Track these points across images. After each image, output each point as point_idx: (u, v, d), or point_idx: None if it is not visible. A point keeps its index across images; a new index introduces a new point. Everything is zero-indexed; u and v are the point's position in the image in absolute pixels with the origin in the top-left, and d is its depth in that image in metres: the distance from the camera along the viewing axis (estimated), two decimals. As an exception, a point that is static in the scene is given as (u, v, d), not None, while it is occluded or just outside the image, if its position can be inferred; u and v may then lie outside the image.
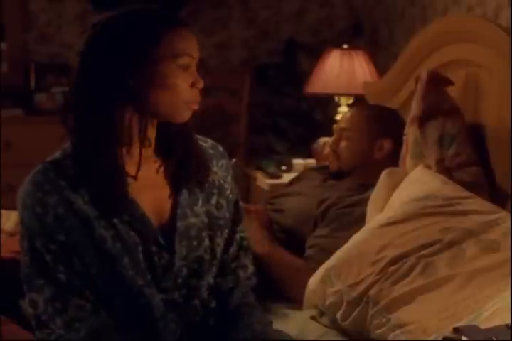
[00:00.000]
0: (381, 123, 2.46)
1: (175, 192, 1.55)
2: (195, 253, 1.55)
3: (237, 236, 1.64)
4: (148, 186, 1.52)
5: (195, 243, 1.55)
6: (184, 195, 1.55)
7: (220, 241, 1.59)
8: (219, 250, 1.59)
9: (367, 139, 2.43)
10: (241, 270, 1.65)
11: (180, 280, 1.53)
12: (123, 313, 1.49)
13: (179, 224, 1.53)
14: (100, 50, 1.44)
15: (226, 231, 1.62)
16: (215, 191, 1.60)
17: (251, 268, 1.67)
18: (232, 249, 1.63)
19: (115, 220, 1.46)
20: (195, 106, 1.49)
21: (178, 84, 1.44)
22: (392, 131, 2.45)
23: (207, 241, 1.57)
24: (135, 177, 1.49)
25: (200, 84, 1.47)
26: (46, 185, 1.44)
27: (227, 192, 1.62)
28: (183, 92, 1.45)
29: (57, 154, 1.49)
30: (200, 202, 1.57)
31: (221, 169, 1.62)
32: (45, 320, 1.44)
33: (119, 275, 1.47)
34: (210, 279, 1.58)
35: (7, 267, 1.89)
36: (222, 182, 1.61)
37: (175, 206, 1.54)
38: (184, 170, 1.54)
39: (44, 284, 1.44)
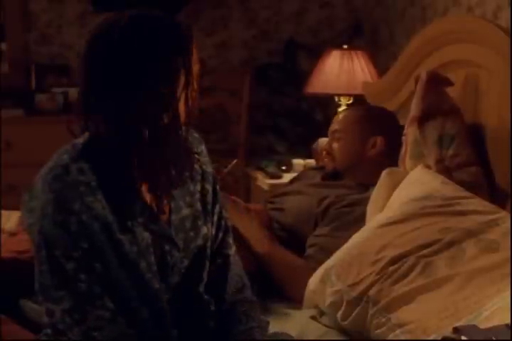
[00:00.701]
0: (372, 122, 2.47)
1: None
2: (195, 243, 1.56)
3: (216, 218, 1.65)
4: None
5: (192, 234, 1.56)
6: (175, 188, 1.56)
7: (209, 226, 1.61)
8: (210, 235, 1.61)
9: (358, 138, 2.45)
10: (229, 250, 1.66)
11: (183, 272, 1.55)
12: (139, 317, 1.48)
13: (173, 217, 1.54)
14: (129, 55, 1.41)
15: (215, 217, 1.64)
16: (199, 177, 1.61)
17: (234, 247, 1.69)
18: (219, 232, 1.65)
19: (130, 223, 1.46)
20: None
21: (197, 80, 1.47)
22: (383, 129, 2.46)
23: (204, 230, 1.58)
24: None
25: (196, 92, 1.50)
26: (66, 191, 1.40)
27: (210, 177, 1.64)
28: (192, 99, 1.48)
29: (63, 157, 1.45)
30: (191, 191, 1.58)
31: (201, 155, 1.63)
32: (62, 329, 1.43)
33: (138, 279, 1.46)
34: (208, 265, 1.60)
35: (7, 267, 1.89)
36: (204, 167, 1.63)
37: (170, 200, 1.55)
38: (176, 165, 1.53)
39: (64, 295, 1.41)
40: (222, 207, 1.67)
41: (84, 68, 1.45)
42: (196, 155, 1.61)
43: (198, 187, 1.61)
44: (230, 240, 1.68)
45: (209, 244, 1.59)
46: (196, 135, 1.64)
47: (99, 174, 1.43)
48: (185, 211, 1.57)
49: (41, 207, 1.41)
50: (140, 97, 1.42)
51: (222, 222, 1.66)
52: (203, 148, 1.65)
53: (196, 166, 1.60)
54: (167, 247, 1.51)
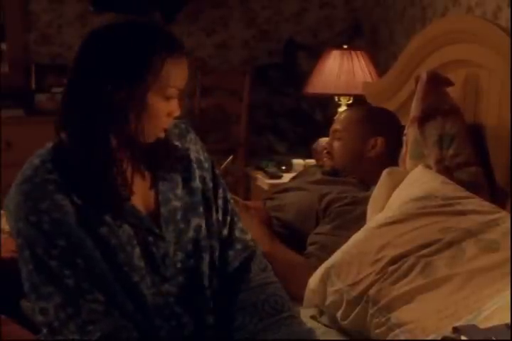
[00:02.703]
0: (372, 122, 2.48)
1: (155, 181, 1.57)
2: (186, 235, 1.57)
3: (221, 202, 1.66)
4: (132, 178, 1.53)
5: (182, 225, 1.57)
6: (161, 181, 1.57)
7: (214, 213, 1.62)
8: (214, 222, 1.62)
9: (359, 138, 2.46)
10: (245, 234, 1.68)
11: (179, 266, 1.55)
12: (125, 310, 1.48)
13: (162, 209, 1.55)
14: (95, 62, 1.43)
15: (220, 202, 1.64)
16: (195, 166, 1.62)
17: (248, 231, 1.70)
18: (226, 216, 1.66)
19: (107, 217, 1.47)
20: (164, 132, 1.52)
21: (158, 114, 1.47)
22: (384, 129, 2.47)
23: (196, 221, 1.59)
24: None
25: (177, 113, 1.50)
26: (34, 192, 1.44)
27: (206, 164, 1.65)
28: (160, 120, 1.48)
29: (35, 160, 1.47)
30: (180, 184, 1.59)
31: (191, 143, 1.64)
32: (58, 327, 1.43)
33: (116, 272, 1.47)
34: (208, 257, 1.60)
35: (7, 267, 1.89)
36: (197, 155, 1.64)
37: (157, 194, 1.56)
38: (154, 158, 1.55)
39: (53, 291, 1.42)
40: (226, 190, 1.68)
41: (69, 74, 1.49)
42: (187, 145, 1.62)
43: (197, 176, 1.61)
44: (240, 224, 1.69)
45: (203, 235, 1.59)
46: (183, 125, 1.65)
47: (71, 172, 1.45)
48: (175, 203, 1.57)
49: (14, 209, 1.45)
50: (105, 102, 1.43)
51: (229, 206, 1.67)
52: (191, 136, 1.65)
53: (190, 155, 1.61)
54: (150, 238, 1.51)
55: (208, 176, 1.64)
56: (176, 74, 1.46)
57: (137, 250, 1.49)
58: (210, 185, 1.64)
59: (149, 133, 1.48)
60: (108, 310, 1.44)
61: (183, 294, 1.55)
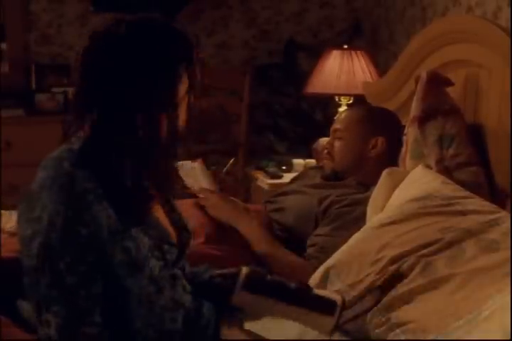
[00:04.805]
0: (373, 122, 2.47)
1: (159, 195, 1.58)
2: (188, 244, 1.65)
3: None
4: None
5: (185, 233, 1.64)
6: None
7: None
8: None
9: (360, 138, 2.45)
10: None
11: (180, 272, 1.59)
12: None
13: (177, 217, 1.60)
14: (129, 61, 1.42)
15: None
16: None
17: None
18: None
19: (133, 230, 1.45)
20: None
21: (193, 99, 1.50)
22: (384, 130, 2.46)
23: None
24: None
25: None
26: (75, 202, 1.37)
27: None
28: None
29: (64, 164, 1.41)
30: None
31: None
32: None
33: (139, 286, 1.46)
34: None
35: (7, 267, 1.89)
36: None
37: (167, 205, 1.59)
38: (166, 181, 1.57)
39: (60, 310, 1.38)
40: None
41: (84, 73, 1.46)
42: None
43: None
44: None
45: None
46: None
47: (102, 180, 1.41)
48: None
49: (49, 218, 1.37)
50: (139, 100, 1.42)
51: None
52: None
53: None
54: (166, 247, 1.52)
55: None
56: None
57: (153, 260, 1.48)
58: None
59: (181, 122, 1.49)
60: (101, 334, 1.40)
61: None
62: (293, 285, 1.55)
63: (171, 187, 1.57)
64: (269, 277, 1.55)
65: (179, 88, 1.45)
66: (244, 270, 1.55)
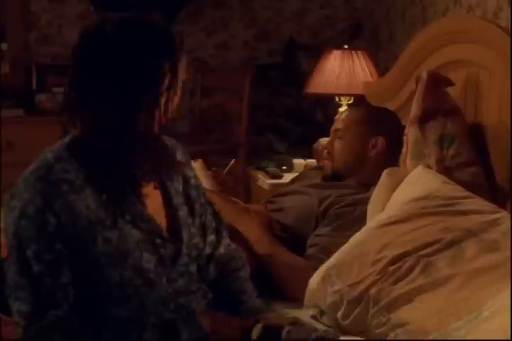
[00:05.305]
0: (373, 122, 2.47)
1: (160, 186, 1.58)
2: (192, 240, 1.60)
3: (210, 216, 1.70)
4: None
5: (192, 230, 1.61)
6: (169, 187, 1.58)
7: (196, 229, 1.64)
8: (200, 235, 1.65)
9: (360, 138, 2.45)
10: (224, 238, 1.72)
11: (182, 269, 1.57)
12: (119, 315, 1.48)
13: (181, 213, 1.58)
14: (115, 58, 1.44)
15: (203, 216, 1.67)
16: (181, 179, 1.64)
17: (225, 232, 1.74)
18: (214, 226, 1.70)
19: (120, 220, 1.46)
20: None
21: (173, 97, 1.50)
22: (385, 129, 2.46)
23: (194, 228, 1.62)
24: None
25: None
26: (48, 190, 1.40)
27: (192, 180, 1.67)
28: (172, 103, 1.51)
29: (48, 157, 1.45)
30: (179, 193, 1.61)
31: (184, 157, 1.66)
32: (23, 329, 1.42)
33: (121, 276, 1.46)
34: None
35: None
36: (185, 169, 1.66)
37: (165, 198, 1.57)
38: (156, 164, 1.55)
39: (26, 296, 1.39)
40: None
41: (73, 70, 1.49)
42: (179, 158, 1.64)
43: (181, 188, 1.63)
44: (221, 228, 1.74)
45: (201, 243, 1.65)
46: (174, 141, 1.67)
47: (86, 172, 1.44)
48: (184, 208, 1.60)
49: (21, 206, 1.40)
50: (125, 98, 1.43)
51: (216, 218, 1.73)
52: (182, 149, 1.68)
53: (179, 169, 1.63)
54: (158, 241, 1.52)
55: (195, 192, 1.66)
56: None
57: (145, 254, 1.49)
58: (199, 200, 1.67)
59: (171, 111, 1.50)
60: (68, 316, 1.40)
61: (179, 296, 1.56)
62: None
63: (163, 166, 1.55)
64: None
65: (162, 85, 1.46)
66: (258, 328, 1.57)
